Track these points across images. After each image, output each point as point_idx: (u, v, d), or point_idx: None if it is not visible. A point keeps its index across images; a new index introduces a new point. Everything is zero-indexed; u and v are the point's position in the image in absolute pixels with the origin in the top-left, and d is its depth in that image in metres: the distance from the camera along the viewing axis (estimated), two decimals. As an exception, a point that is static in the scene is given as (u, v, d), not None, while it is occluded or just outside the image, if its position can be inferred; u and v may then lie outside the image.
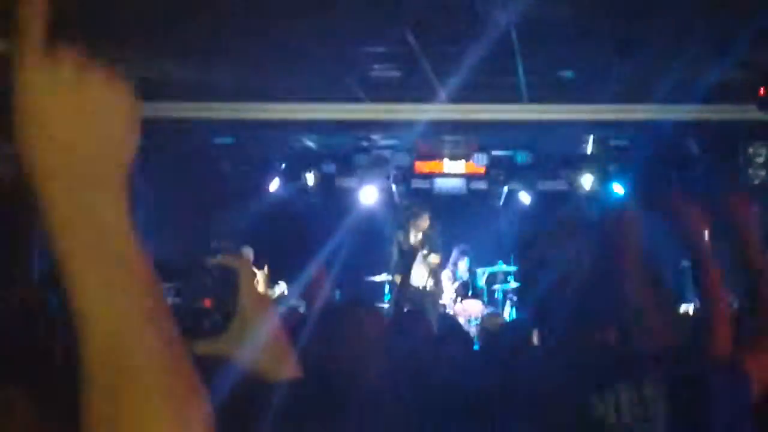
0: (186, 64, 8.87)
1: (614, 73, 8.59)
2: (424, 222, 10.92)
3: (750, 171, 8.89)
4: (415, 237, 10.92)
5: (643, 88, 9.27)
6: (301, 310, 6.88)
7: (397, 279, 10.91)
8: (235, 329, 1.43)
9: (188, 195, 12.46)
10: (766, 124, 8.69)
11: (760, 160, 8.85)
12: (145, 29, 7.59)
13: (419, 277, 10.86)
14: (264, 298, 1.48)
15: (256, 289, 1.45)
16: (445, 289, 11.38)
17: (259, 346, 1.44)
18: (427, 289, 10.79)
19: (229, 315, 1.44)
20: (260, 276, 10.74)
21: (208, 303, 1.44)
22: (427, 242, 10.89)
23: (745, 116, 8.95)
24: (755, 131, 8.95)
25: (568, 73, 8.82)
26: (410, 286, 10.82)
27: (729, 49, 7.09)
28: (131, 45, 8.15)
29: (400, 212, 11.98)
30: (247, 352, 1.44)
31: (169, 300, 1.44)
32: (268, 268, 10.91)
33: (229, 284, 1.44)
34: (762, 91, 8.01)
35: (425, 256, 10.81)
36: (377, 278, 11.96)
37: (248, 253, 10.46)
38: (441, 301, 11.07)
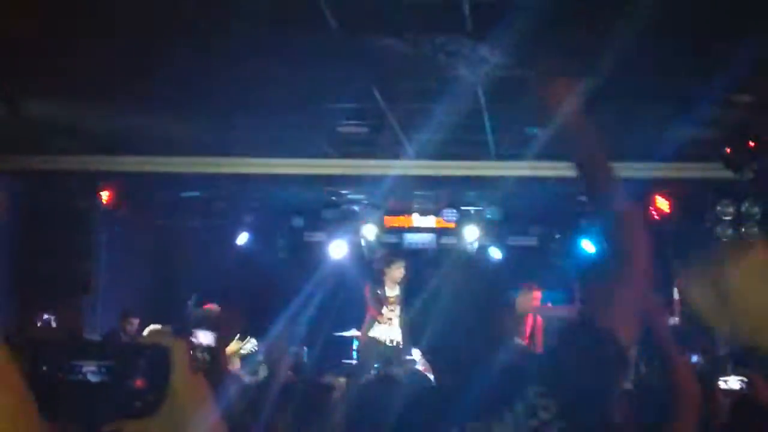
0: (153, 118, 8.83)
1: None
2: (399, 271, 10.75)
3: (718, 229, 8.94)
4: (391, 290, 10.76)
5: (610, 146, 9.29)
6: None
7: (373, 334, 10.72)
8: (166, 410, 1.39)
9: (156, 249, 12.34)
10: (733, 181, 8.75)
11: (728, 217, 8.90)
12: (114, 84, 7.55)
13: (389, 332, 10.71)
14: (198, 379, 1.42)
15: (189, 369, 1.40)
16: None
17: (191, 427, 1.39)
18: (395, 344, 10.64)
19: (161, 396, 1.39)
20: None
21: (140, 383, 1.38)
22: (404, 296, 10.68)
23: (713, 174, 9.00)
24: (722, 189, 9.00)
25: (535, 130, 8.84)
26: (378, 341, 10.67)
27: (695, 108, 7.14)
28: (99, 99, 8.11)
29: (373, 264, 11.83)
30: (178, 432, 1.38)
31: (102, 379, 1.38)
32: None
33: (162, 364, 1.40)
34: (728, 149, 8.06)
35: (398, 311, 10.66)
36: (346, 333, 11.84)
37: (215, 310, 10.28)
38: (410, 357, 10.92)
